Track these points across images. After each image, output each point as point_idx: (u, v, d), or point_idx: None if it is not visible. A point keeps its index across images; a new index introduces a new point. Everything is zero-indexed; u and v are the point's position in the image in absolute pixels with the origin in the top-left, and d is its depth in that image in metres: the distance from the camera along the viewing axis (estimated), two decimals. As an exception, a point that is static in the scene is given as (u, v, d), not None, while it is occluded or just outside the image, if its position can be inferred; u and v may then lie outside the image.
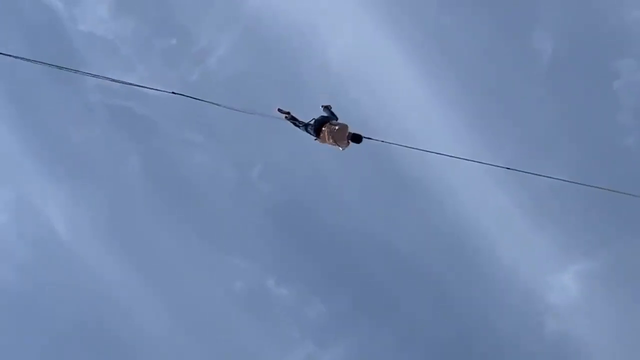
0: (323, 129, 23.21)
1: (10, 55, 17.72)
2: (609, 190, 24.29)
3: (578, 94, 45.36)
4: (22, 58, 17.80)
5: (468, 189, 42.60)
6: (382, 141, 22.98)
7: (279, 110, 24.07)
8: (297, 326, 44.58)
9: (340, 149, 23.16)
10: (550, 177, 25.42)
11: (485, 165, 23.80)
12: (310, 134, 23.55)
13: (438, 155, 23.84)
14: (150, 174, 45.73)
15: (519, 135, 44.92)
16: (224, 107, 23.90)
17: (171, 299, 44.59)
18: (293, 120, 23.98)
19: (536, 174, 25.24)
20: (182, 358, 43.76)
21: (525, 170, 24.86)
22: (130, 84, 21.14)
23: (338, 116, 23.53)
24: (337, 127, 23.11)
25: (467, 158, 24.12)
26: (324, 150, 24.80)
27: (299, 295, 44.84)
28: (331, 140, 23.20)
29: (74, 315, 44.07)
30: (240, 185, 45.54)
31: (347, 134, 22.96)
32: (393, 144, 23.25)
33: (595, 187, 24.51)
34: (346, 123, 23.28)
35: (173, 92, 22.01)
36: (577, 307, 44.15)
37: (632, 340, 42.52)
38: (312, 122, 23.48)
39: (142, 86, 21.93)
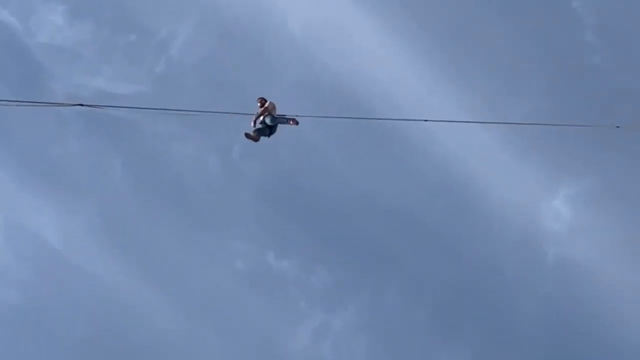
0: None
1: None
2: (578, 126, 24.74)
3: (540, 20, 45.58)
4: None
5: (449, 133, 42.77)
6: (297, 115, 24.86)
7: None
8: (303, 296, 44.81)
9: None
10: (520, 124, 25.77)
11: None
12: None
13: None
14: (135, 172, 45.83)
15: (490, 70, 45.18)
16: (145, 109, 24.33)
17: (177, 291, 44.72)
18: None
19: (502, 123, 25.79)
20: (197, 345, 43.96)
21: (494, 121, 25.42)
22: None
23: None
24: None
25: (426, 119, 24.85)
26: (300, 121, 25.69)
27: (300, 266, 45.07)
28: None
29: (83, 323, 44.16)
30: (224, 168, 45.68)
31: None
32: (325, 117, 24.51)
33: (565, 125, 24.89)
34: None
35: (80, 104, 22.04)
36: (573, 229, 44.54)
37: (629, 252, 42.98)
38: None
39: (44, 103, 21.88)
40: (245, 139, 25.99)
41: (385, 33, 44.51)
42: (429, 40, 44.98)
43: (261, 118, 26.01)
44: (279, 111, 26.15)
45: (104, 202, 45.34)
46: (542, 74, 45.02)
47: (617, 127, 23.65)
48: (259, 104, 26.29)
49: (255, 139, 26.04)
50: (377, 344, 44.28)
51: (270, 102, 26.19)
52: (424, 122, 25.10)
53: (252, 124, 26.05)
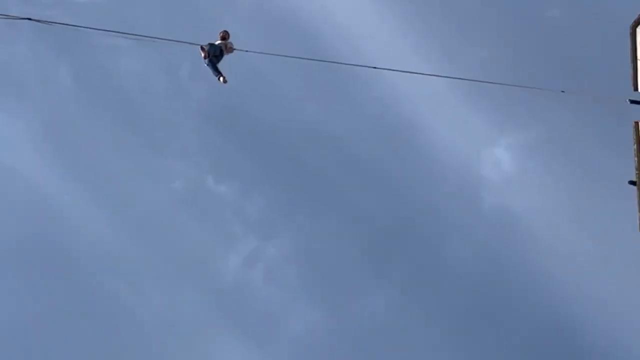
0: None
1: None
2: (527, 87, 24.92)
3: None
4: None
5: (399, 76, 42.81)
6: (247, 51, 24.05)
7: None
8: (239, 221, 45.12)
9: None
10: (474, 80, 25.71)
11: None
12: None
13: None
14: (81, 83, 45.46)
15: (446, 16, 45.21)
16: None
17: (112, 205, 44.79)
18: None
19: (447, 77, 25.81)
20: (129, 261, 44.15)
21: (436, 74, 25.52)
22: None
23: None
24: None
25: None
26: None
27: (238, 192, 45.28)
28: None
29: (17, 230, 44.10)
30: (171, 88, 45.49)
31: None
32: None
33: (511, 85, 24.97)
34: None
35: (29, 19, 21.77)
36: (511, 179, 45.18)
37: (564, 205, 43.77)
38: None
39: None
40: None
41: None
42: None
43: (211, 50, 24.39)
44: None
45: (47, 109, 45.03)
46: (498, 23, 45.20)
47: (562, 91, 23.93)
48: (220, 36, 24.65)
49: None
50: (307, 273, 44.91)
51: (230, 42, 24.71)
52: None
53: (204, 54, 24.49)
